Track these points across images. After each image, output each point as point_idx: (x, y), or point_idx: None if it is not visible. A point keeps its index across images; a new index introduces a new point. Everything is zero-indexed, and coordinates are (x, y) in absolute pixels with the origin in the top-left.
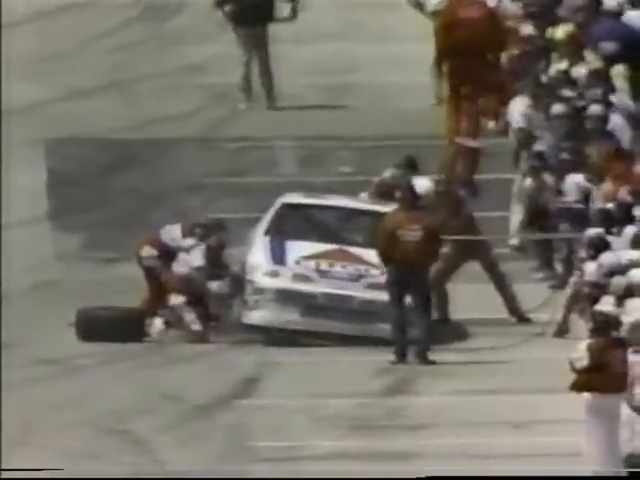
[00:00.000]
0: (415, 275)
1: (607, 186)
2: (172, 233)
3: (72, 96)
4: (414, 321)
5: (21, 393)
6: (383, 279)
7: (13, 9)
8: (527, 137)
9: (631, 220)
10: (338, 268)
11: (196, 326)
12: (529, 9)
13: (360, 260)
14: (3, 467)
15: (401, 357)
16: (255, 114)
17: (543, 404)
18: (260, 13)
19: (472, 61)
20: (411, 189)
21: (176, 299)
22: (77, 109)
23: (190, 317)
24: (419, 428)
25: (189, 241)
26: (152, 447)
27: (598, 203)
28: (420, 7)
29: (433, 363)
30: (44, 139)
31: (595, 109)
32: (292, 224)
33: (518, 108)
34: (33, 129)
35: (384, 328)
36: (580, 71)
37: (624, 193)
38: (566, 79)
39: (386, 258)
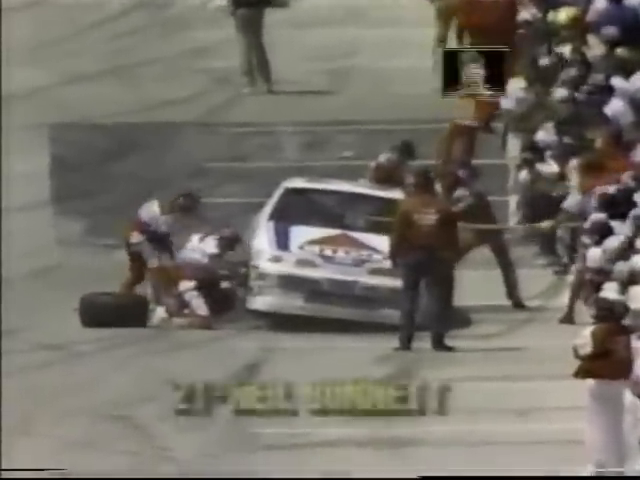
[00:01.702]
0: (432, 259)
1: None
2: (150, 211)
3: (74, 81)
4: (427, 307)
5: (23, 379)
6: (386, 264)
7: None
8: (515, 120)
9: (633, 205)
10: (341, 253)
11: (202, 311)
12: None
13: (363, 245)
14: (3, 467)
15: (406, 344)
16: (257, 99)
17: (547, 391)
18: None
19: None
20: (426, 173)
21: (185, 285)
22: (79, 94)
23: (198, 302)
24: (423, 415)
25: (168, 218)
26: (154, 434)
27: (575, 194)
28: None
29: (450, 349)
30: (46, 124)
31: (595, 98)
32: (296, 209)
33: (510, 90)
34: (35, 114)
35: (387, 314)
36: (583, 54)
37: (627, 177)
38: (568, 63)
39: (402, 242)
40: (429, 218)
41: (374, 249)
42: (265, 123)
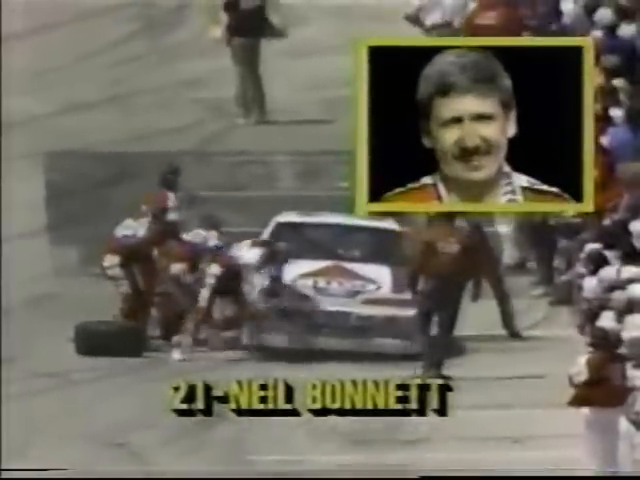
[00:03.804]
0: (450, 289)
1: None
2: (126, 227)
3: (71, 109)
4: (434, 335)
5: (20, 407)
6: (380, 294)
7: (13, 22)
8: None
9: (629, 235)
10: (335, 285)
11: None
12: (530, 22)
13: (357, 276)
14: (3, 467)
15: (432, 371)
16: (252, 128)
17: (542, 419)
18: (253, 24)
19: None
20: None
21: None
22: (76, 122)
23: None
24: (417, 443)
25: (144, 221)
26: (151, 460)
27: None
28: (419, 23)
29: (449, 378)
30: (43, 152)
31: None
32: (288, 242)
33: None
34: (32, 142)
35: (383, 343)
36: None
37: (622, 207)
38: None
39: (421, 270)
40: (452, 247)
41: (368, 279)
42: (260, 152)
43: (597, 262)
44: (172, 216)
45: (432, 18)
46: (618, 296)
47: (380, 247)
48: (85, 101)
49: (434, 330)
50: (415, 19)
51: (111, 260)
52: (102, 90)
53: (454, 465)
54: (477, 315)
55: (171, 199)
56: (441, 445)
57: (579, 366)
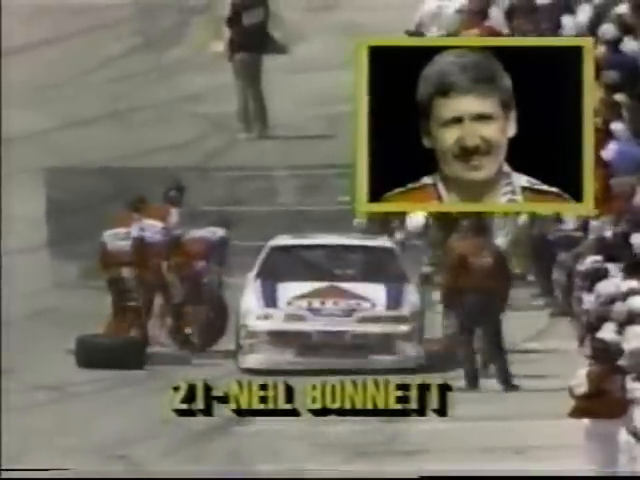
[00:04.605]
0: (489, 302)
1: None
2: (114, 235)
3: (72, 125)
4: (486, 348)
5: (20, 419)
6: (375, 312)
7: (14, 36)
8: None
9: (629, 247)
10: (330, 305)
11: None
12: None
13: (352, 295)
14: (3, 467)
15: (473, 383)
16: (253, 143)
17: (543, 430)
18: (255, 40)
19: None
20: (479, 216)
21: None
22: (77, 138)
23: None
24: (419, 454)
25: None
26: (151, 472)
27: None
28: (420, 35)
29: (517, 389)
30: (44, 168)
31: None
32: (282, 266)
33: None
34: (33, 158)
35: (379, 360)
36: None
37: (624, 221)
38: None
39: (457, 286)
40: (485, 261)
41: (363, 297)
42: (261, 167)
43: (595, 276)
44: (177, 232)
45: (432, 32)
46: (618, 308)
47: (375, 265)
48: (86, 117)
49: (484, 345)
50: (416, 35)
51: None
52: (103, 105)
53: (455, 476)
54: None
55: (174, 215)
56: (442, 456)
57: (579, 378)
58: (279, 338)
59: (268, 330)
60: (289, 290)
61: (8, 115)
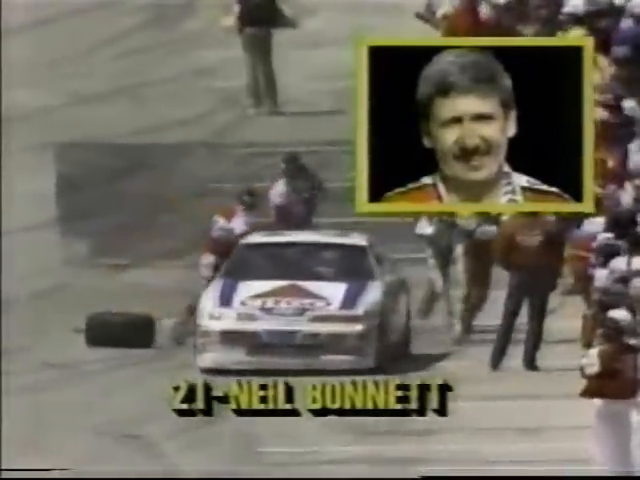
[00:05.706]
0: (535, 280)
1: None
2: (219, 222)
3: (81, 101)
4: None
5: (29, 398)
6: (327, 311)
7: (21, 13)
8: None
9: (636, 225)
10: (283, 304)
11: None
12: (538, 12)
13: (308, 294)
14: (3, 467)
15: (496, 364)
16: (263, 119)
17: (553, 410)
18: (265, 14)
19: None
20: None
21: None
22: (86, 114)
23: None
24: (427, 434)
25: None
26: (161, 452)
27: None
28: (430, 17)
29: (538, 369)
30: (53, 144)
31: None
32: (248, 264)
33: None
34: (42, 134)
35: (329, 360)
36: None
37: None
38: None
39: (507, 264)
40: (534, 239)
41: (318, 296)
42: (271, 143)
43: (608, 253)
44: (238, 229)
45: (443, 9)
46: (631, 286)
47: (344, 263)
48: (95, 92)
49: (531, 324)
50: (426, 15)
51: (207, 259)
52: (112, 81)
53: (463, 457)
54: (489, 306)
55: (239, 217)
56: (450, 437)
57: (591, 357)
58: (229, 338)
59: (219, 329)
60: (247, 289)
61: (14, 93)
